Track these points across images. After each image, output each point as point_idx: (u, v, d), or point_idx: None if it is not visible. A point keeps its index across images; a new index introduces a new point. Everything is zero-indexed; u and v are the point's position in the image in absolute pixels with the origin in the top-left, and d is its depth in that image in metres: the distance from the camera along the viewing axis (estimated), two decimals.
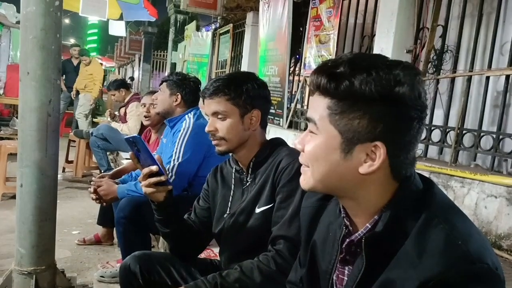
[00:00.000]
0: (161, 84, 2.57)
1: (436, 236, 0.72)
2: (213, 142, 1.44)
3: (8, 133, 5.69)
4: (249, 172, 1.46)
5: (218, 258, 1.61)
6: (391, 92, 0.74)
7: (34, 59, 1.76)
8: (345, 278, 0.86)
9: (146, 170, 1.34)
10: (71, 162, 5.30)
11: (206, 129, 1.43)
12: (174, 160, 2.22)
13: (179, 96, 2.46)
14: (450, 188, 2.79)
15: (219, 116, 1.41)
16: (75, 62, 7.85)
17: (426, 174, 3.01)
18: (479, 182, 2.59)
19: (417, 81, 0.76)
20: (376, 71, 0.75)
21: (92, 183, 2.30)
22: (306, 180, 0.83)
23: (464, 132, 2.97)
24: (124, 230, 2.12)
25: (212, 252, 1.98)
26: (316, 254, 0.95)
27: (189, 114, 2.43)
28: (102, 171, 4.44)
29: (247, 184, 1.46)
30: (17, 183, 1.81)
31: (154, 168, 1.33)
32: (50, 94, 1.79)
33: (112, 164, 4.83)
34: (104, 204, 2.32)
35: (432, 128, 3.22)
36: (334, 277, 0.89)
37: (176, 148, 2.24)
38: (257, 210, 1.38)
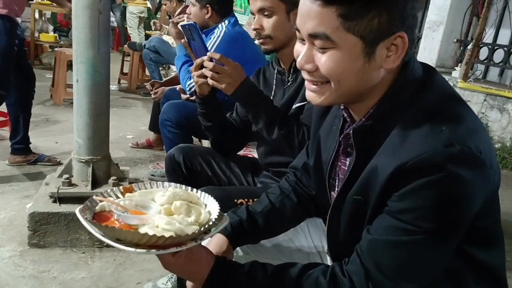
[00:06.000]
0: None
1: (421, 124, 0.71)
2: (259, 41, 1.44)
3: (67, 44, 5.90)
4: (291, 72, 1.46)
5: (257, 156, 1.67)
6: None
7: None
8: (346, 168, 0.87)
9: (198, 61, 1.37)
10: (126, 74, 5.49)
11: (252, 27, 1.43)
12: None
13: (210, 8, 2.36)
14: (505, 111, 2.64)
15: (265, 13, 1.39)
16: None
17: (481, 96, 2.86)
18: None
19: None
20: None
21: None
22: (325, 97, 0.78)
23: None
24: (168, 131, 2.24)
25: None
26: (320, 146, 0.97)
27: (222, 23, 2.35)
28: None
29: (288, 84, 1.47)
30: (73, 78, 1.92)
31: (206, 58, 1.35)
32: None
33: (163, 78, 4.96)
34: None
35: (496, 47, 2.99)
36: (337, 168, 0.91)
37: None
38: (294, 106, 1.40)
